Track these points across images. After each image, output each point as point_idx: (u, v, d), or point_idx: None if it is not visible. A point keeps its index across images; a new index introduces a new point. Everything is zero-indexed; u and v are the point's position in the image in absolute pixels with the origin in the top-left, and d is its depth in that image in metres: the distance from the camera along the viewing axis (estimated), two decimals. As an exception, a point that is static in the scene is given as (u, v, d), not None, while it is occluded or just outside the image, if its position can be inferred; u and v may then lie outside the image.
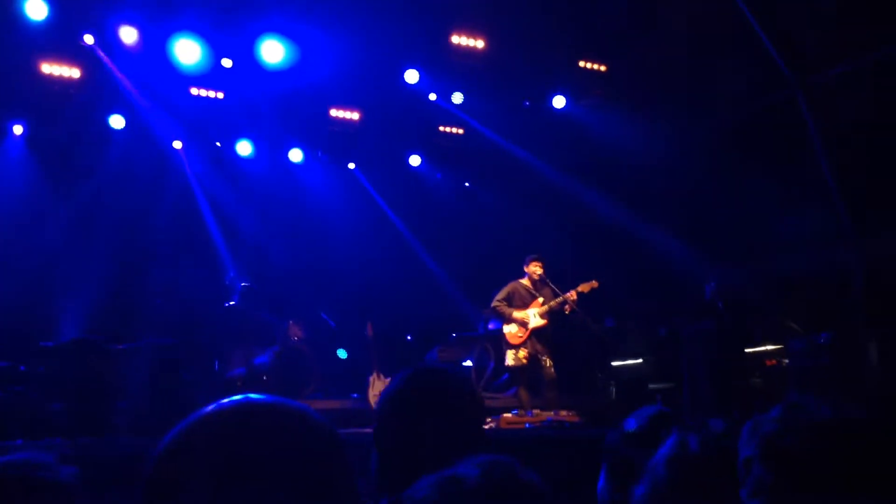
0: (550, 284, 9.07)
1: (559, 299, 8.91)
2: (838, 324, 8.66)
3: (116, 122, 10.55)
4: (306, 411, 1.10)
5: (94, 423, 7.24)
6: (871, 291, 8.92)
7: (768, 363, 9.23)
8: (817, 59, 9.37)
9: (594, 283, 8.96)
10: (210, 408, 1.07)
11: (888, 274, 8.86)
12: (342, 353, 11.04)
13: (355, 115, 11.40)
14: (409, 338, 11.42)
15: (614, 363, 10.90)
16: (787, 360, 8.95)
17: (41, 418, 7.23)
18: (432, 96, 11.15)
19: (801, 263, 9.45)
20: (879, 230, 9.05)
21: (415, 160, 12.75)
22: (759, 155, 10.11)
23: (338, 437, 1.10)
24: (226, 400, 1.09)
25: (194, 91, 10.34)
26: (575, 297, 8.89)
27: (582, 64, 10.81)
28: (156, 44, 9.28)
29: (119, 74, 9.75)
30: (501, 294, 9.14)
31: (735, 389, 8.58)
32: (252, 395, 1.10)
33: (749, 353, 9.20)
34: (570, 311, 8.94)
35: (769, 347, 9.31)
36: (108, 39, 9.25)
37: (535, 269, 9.11)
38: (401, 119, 11.67)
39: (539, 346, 8.92)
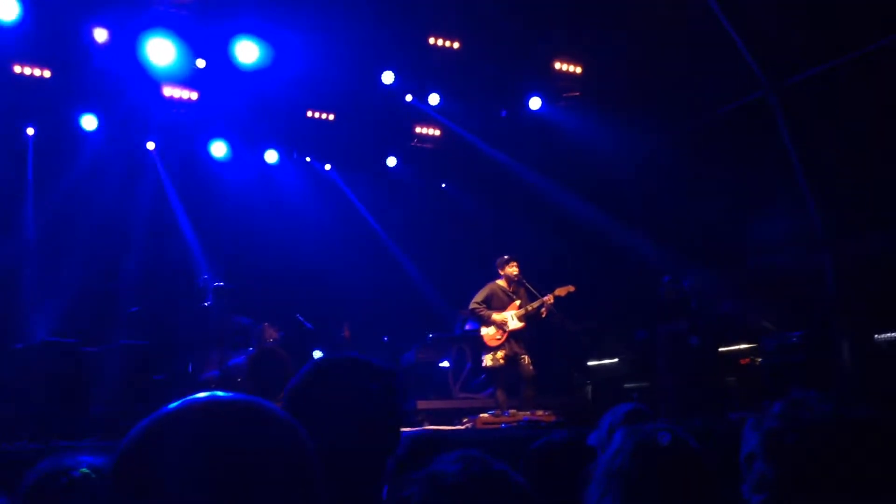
0: (527, 284, 9.08)
1: (536, 303, 8.92)
2: (811, 322, 8.72)
3: (88, 122, 10.45)
4: (272, 409, 1.09)
5: (65, 426, 7.11)
6: (843, 290, 9.00)
7: (742, 362, 9.30)
8: (790, 62, 9.45)
9: (571, 288, 8.98)
10: (176, 405, 1.07)
11: (859, 273, 8.95)
12: (318, 356, 10.89)
13: (331, 117, 11.36)
14: (385, 339, 11.34)
15: (590, 363, 10.94)
16: (760, 359, 9.01)
17: (11, 422, 7.10)
18: (408, 97, 11.15)
19: (774, 263, 9.53)
20: (851, 230, 9.14)
21: (391, 161, 12.74)
22: (732, 156, 10.19)
23: (303, 436, 1.10)
24: (191, 397, 1.08)
25: (167, 91, 10.24)
26: (552, 300, 8.91)
27: (557, 65, 10.86)
28: (128, 43, 9.17)
29: (91, 75, 9.62)
30: (480, 296, 9.13)
31: (709, 388, 8.64)
32: (218, 393, 1.09)
33: (723, 352, 9.28)
34: (546, 314, 8.95)
35: (743, 346, 9.37)
36: (80, 39, 9.12)
37: (511, 270, 9.11)
38: (377, 120, 11.65)
39: (517, 347, 8.93)
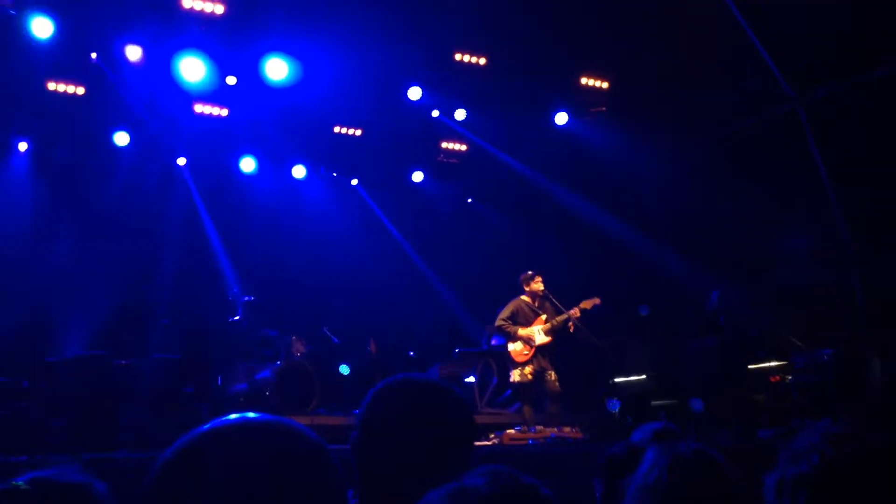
0: (552, 299, 9.08)
1: (563, 316, 8.91)
2: (841, 339, 8.62)
3: (121, 139, 10.60)
4: (301, 431, 1.12)
5: (97, 438, 7.20)
6: (874, 307, 8.88)
7: (772, 379, 9.16)
8: (818, 75, 9.39)
9: (596, 300, 8.95)
10: (207, 426, 1.09)
11: (890, 289, 8.83)
12: (345, 369, 11.00)
13: (358, 132, 11.46)
14: (411, 354, 11.36)
15: (617, 379, 10.86)
16: (790, 377, 8.88)
17: (44, 434, 7.18)
18: (435, 113, 11.22)
19: (804, 279, 9.43)
20: (880, 245, 9.03)
21: (417, 176, 12.80)
22: (760, 170, 10.14)
23: (330, 458, 1.12)
24: (223, 418, 1.11)
25: (198, 108, 10.42)
26: (578, 314, 8.89)
27: (584, 80, 10.88)
28: (160, 61, 9.33)
29: (123, 92, 9.79)
30: (506, 312, 9.15)
31: (739, 405, 8.59)
32: (248, 415, 1.12)
33: (752, 369, 9.18)
34: (573, 329, 8.93)
35: (773, 364, 9.25)
36: (113, 57, 9.29)
37: (536, 285, 9.12)
38: (404, 135, 11.73)
39: (544, 362, 8.94)
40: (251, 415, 1.12)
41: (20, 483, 1.54)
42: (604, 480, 2.76)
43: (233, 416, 1.12)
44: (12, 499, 1.49)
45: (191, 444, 1.07)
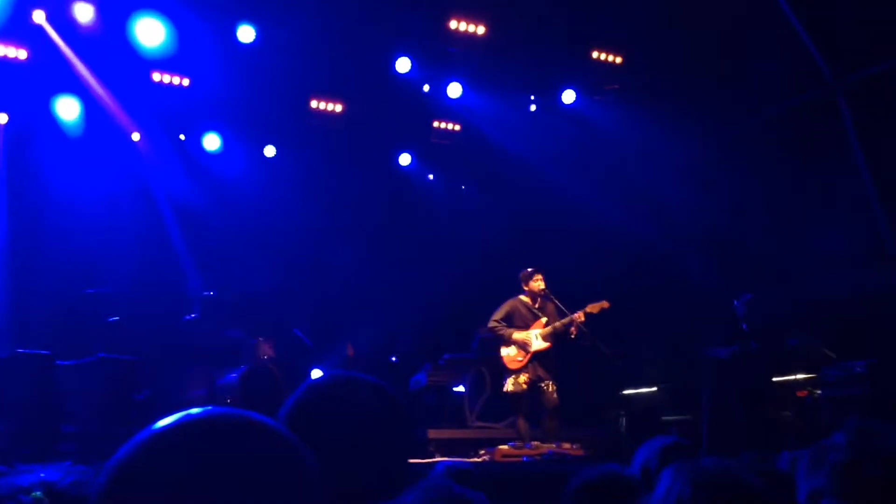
0: (555, 300, 9.16)
1: (565, 320, 8.98)
2: (877, 350, 8.68)
3: (68, 110, 10.59)
4: (274, 427, 1.14)
5: (36, 446, 7.24)
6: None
7: (799, 394, 9.23)
8: (861, 55, 9.43)
9: (604, 304, 9.01)
10: (170, 421, 1.10)
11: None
12: (317, 375, 10.90)
13: (338, 108, 11.48)
14: (394, 359, 11.43)
15: (625, 391, 10.96)
16: (820, 391, 8.97)
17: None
18: (426, 88, 11.28)
19: (837, 281, 9.53)
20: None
21: (405, 159, 12.88)
22: (792, 162, 10.22)
23: (306, 454, 1.15)
24: (187, 412, 1.12)
25: (157, 77, 10.41)
26: (583, 318, 8.95)
27: (595, 54, 10.94)
28: (114, 23, 9.36)
29: (71, 57, 9.81)
30: (499, 313, 9.22)
31: (762, 422, 8.63)
32: (216, 408, 1.13)
33: (778, 382, 9.23)
34: (576, 334, 9.01)
35: (800, 376, 9.33)
36: (61, 17, 9.31)
37: (536, 284, 9.18)
38: (390, 113, 11.78)
39: (541, 371, 9.01)
40: (219, 408, 1.13)
41: (38, 495, 1.66)
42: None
43: (196, 410, 1.12)
44: None
45: (151, 441, 1.07)
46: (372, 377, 1.95)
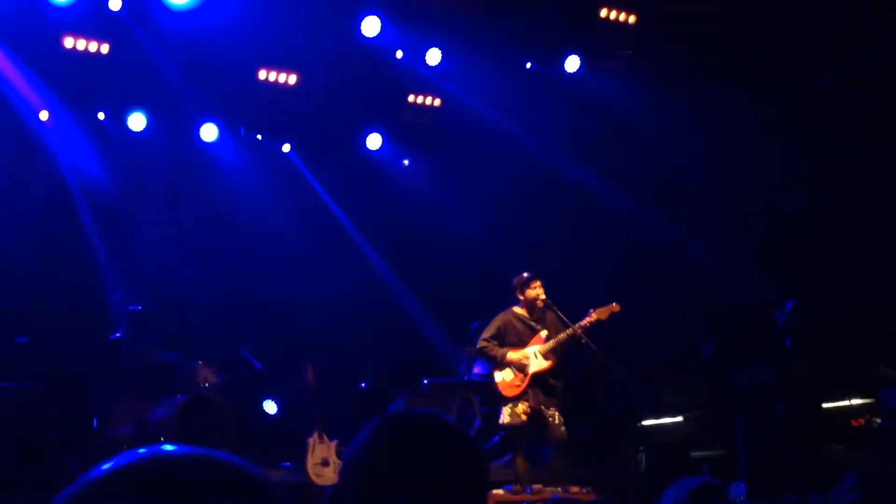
0: (556, 311, 9.00)
1: (569, 331, 8.82)
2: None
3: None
4: (239, 466, 1.11)
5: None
6: None
7: (854, 423, 9.27)
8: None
9: (614, 307, 8.90)
10: (106, 467, 1.05)
11: None
12: (271, 406, 11.00)
13: (292, 79, 11.39)
14: (363, 385, 11.37)
15: (645, 422, 10.90)
16: (879, 420, 8.99)
17: None
18: (399, 54, 11.18)
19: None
20: None
21: (374, 141, 12.76)
22: (838, 141, 10.22)
23: (277, 494, 1.12)
24: (129, 454, 1.07)
25: (69, 42, 10.27)
26: (588, 325, 8.83)
27: (604, 13, 10.89)
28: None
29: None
30: (490, 330, 9.09)
31: (810, 458, 8.65)
32: (165, 447, 1.10)
33: (828, 408, 9.26)
34: (583, 346, 8.88)
35: (855, 401, 9.34)
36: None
37: (534, 291, 9.03)
38: (355, 85, 11.66)
39: (544, 397, 8.83)
40: (167, 447, 1.09)
41: None
42: None
43: (141, 450, 1.08)
44: None
45: (88, 490, 1.04)
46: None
